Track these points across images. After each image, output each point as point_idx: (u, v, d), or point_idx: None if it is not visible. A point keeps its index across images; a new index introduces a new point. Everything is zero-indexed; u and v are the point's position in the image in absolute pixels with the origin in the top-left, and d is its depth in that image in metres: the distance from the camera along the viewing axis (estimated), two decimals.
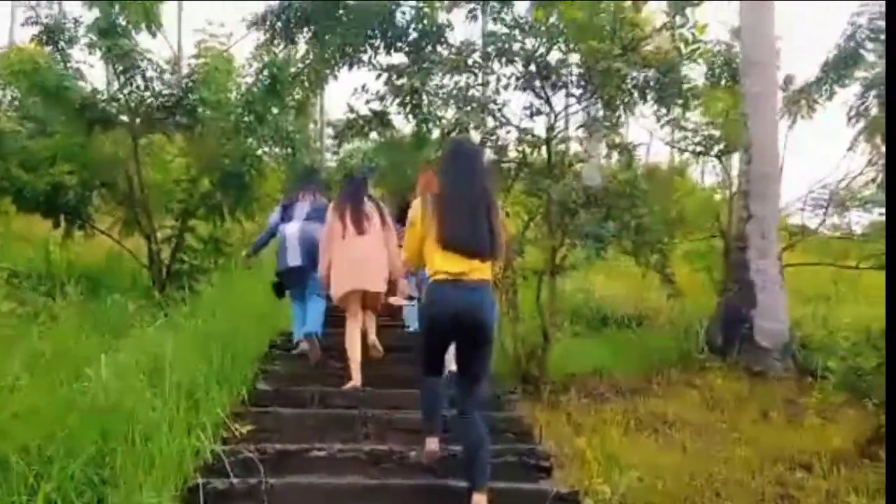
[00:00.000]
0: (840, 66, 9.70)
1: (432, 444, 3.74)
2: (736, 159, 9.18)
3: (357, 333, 5.18)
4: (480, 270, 3.50)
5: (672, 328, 8.27)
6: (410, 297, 5.31)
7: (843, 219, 9.68)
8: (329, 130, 21.83)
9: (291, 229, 5.74)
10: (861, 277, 9.11)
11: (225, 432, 4.16)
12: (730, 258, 8.65)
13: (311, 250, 5.58)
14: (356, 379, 5.01)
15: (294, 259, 5.66)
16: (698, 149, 8.92)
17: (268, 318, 7.42)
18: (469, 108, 6.30)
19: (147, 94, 7.37)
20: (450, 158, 3.82)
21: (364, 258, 5.14)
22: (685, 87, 6.07)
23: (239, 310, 6.64)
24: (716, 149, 8.86)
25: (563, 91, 6.44)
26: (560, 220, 6.82)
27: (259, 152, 8.43)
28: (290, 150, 14.60)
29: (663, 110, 6.71)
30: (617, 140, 6.50)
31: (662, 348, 7.67)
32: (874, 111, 9.08)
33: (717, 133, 8.73)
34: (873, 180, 9.89)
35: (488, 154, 7.17)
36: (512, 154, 7.13)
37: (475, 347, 3.53)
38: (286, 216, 5.96)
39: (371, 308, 5.41)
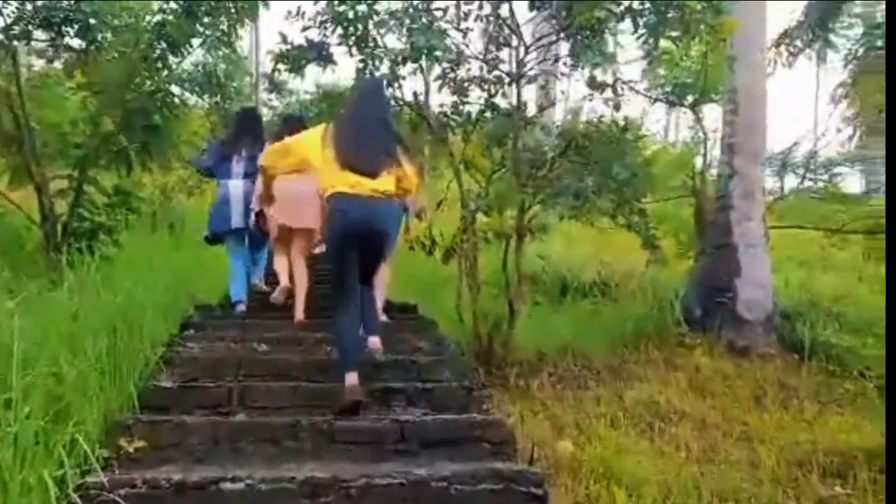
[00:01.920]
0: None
1: (352, 378, 3.57)
2: (707, 110, 8.37)
3: (285, 260, 5.28)
4: (379, 186, 3.76)
5: (643, 298, 7.45)
6: None
7: (820, 179, 9.01)
8: (265, 84, 20.19)
9: (235, 188, 5.50)
10: (839, 243, 8.50)
11: (105, 452, 3.06)
12: (702, 220, 7.88)
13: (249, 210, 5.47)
14: (283, 283, 5.19)
15: (237, 220, 5.48)
16: (670, 98, 8.05)
17: (184, 286, 6.31)
18: (427, 28, 5.17)
19: (26, 5, 5.90)
20: (354, 92, 4.40)
21: (298, 194, 4.88)
22: (689, 11, 5.02)
23: (148, 276, 5.57)
24: (690, 97, 8.01)
25: (544, 13, 5.37)
26: (531, 173, 5.84)
27: (173, 89, 7.05)
28: (219, 96, 13.10)
29: (650, 42, 5.72)
30: (606, 74, 5.46)
31: (635, 320, 6.85)
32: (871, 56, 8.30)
33: (689, 80, 7.88)
34: (850, 138, 9.27)
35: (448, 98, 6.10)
36: (474, 95, 6.09)
37: (375, 256, 3.88)
38: (222, 168, 5.62)
39: (304, 245, 5.28)
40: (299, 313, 4.98)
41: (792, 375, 6.18)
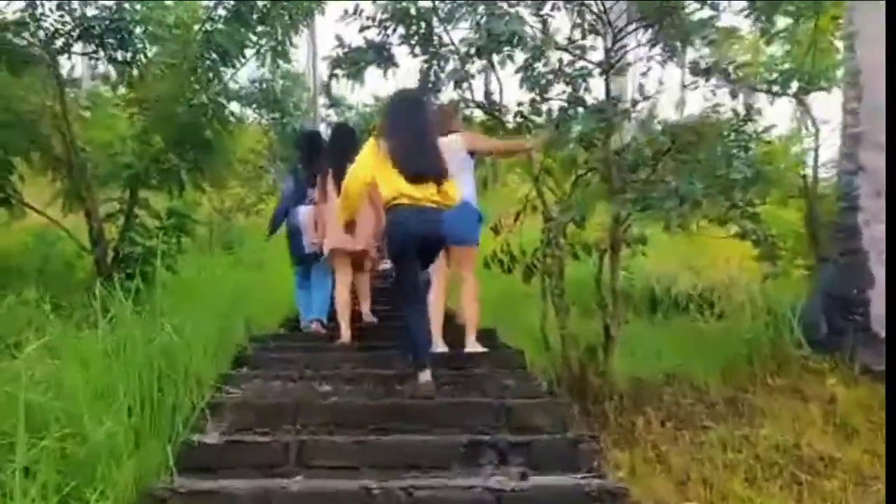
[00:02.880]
0: None
1: (425, 376, 3.66)
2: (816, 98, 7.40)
3: (345, 290, 5.19)
4: (438, 195, 3.93)
5: (752, 314, 6.50)
6: None
7: None
8: (323, 100, 19.93)
9: (304, 214, 5.53)
10: None
11: None
12: (814, 223, 6.92)
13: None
14: (345, 336, 5.00)
15: (309, 245, 5.51)
16: (773, 87, 7.12)
17: (240, 311, 5.82)
18: (505, 14, 4.51)
19: (64, 16, 5.51)
20: (393, 104, 4.31)
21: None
22: None
23: (201, 303, 5.10)
24: (795, 85, 7.05)
25: None
26: (627, 176, 5.07)
27: (225, 101, 6.56)
28: (278, 113, 12.76)
29: (761, 23, 4.90)
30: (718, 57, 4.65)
31: (747, 341, 5.92)
32: None
33: (792, 64, 6.94)
34: None
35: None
36: (554, 91, 5.39)
37: (432, 256, 4.06)
38: (301, 195, 5.64)
39: (359, 268, 5.40)
40: (367, 313, 5.37)
41: None
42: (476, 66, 5.58)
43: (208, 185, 6.84)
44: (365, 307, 5.49)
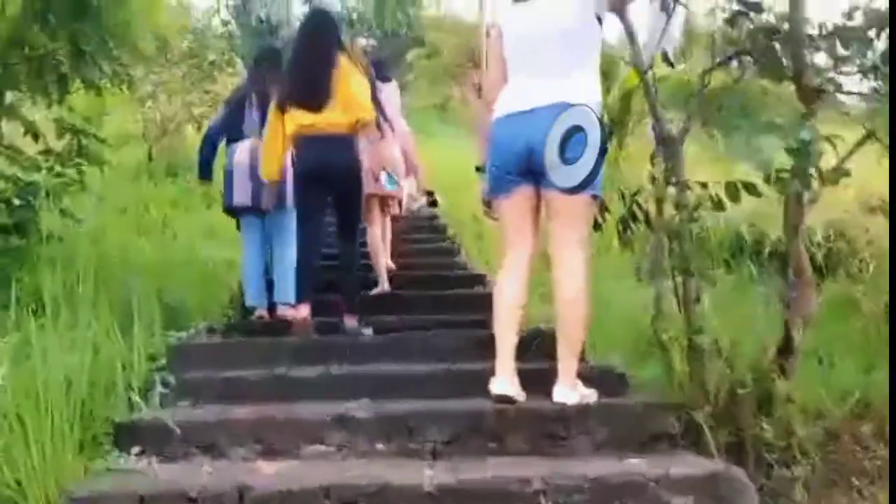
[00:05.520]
0: None
1: (305, 310, 3.55)
2: None
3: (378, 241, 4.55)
4: (332, 123, 3.48)
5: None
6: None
7: None
8: None
9: (241, 157, 4.14)
10: None
11: None
12: None
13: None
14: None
15: (242, 196, 4.12)
16: None
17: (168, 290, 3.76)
18: None
19: None
20: (299, 28, 4.13)
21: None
22: None
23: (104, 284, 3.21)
24: None
25: None
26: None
27: None
28: None
29: None
30: None
31: None
32: None
33: None
34: None
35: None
36: None
37: (343, 197, 3.63)
38: (232, 123, 4.25)
39: (375, 212, 4.57)
40: (383, 284, 4.48)
41: None
42: None
43: (108, 83, 4.39)
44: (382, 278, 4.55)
